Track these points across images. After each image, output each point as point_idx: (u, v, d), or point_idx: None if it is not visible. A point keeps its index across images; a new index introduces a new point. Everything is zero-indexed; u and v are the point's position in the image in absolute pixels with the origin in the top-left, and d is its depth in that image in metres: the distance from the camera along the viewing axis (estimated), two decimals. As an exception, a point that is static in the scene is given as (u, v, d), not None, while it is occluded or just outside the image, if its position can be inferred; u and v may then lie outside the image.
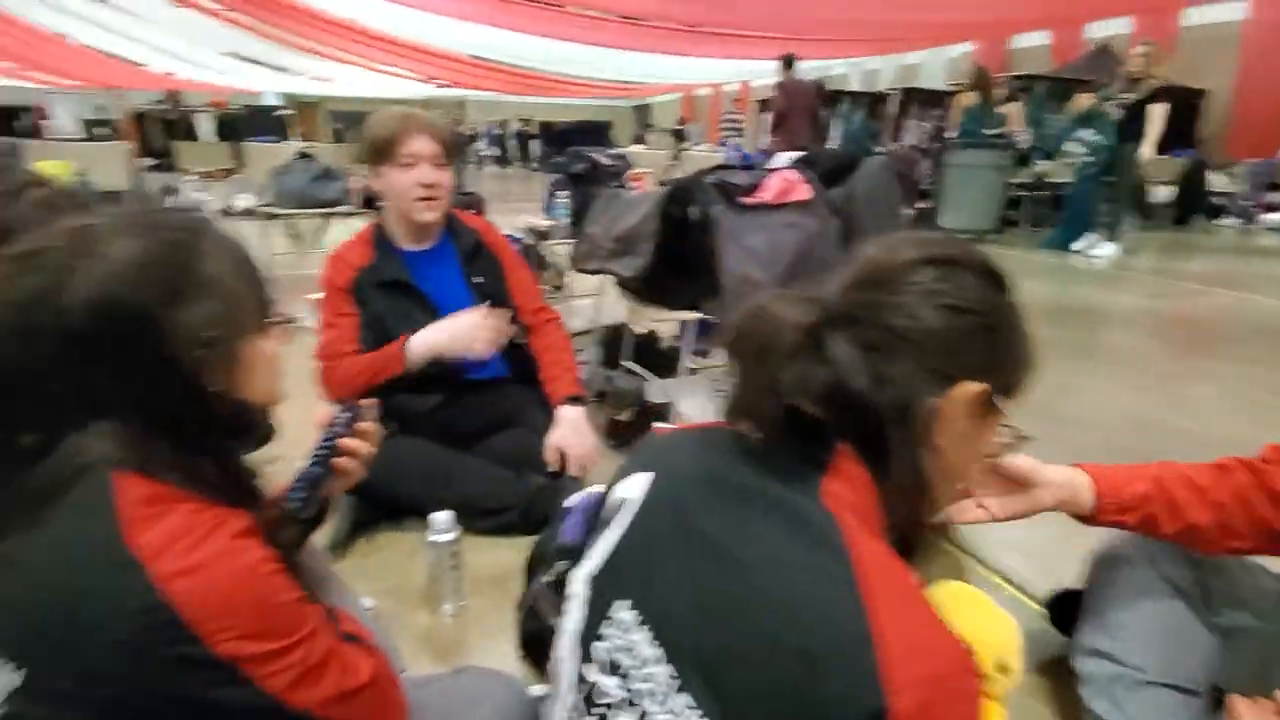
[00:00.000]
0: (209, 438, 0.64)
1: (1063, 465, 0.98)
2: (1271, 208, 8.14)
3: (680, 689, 0.51)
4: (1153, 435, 2.25)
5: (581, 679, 0.60)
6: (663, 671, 0.53)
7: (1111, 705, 0.94)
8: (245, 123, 8.98)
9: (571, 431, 1.60)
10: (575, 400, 1.64)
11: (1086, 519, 0.95)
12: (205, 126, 8.88)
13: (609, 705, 0.56)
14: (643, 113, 17.76)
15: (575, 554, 1.18)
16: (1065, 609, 1.21)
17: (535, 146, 15.68)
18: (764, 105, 12.03)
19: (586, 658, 0.60)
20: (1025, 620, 1.26)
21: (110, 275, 0.59)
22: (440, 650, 1.28)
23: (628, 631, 0.56)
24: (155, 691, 0.56)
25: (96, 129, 9.23)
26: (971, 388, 0.57)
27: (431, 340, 1.55)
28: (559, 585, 1.18)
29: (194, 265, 0.64)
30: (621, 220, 1.78)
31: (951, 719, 0.46)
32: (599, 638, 0.59)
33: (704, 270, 1.61)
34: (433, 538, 1.28)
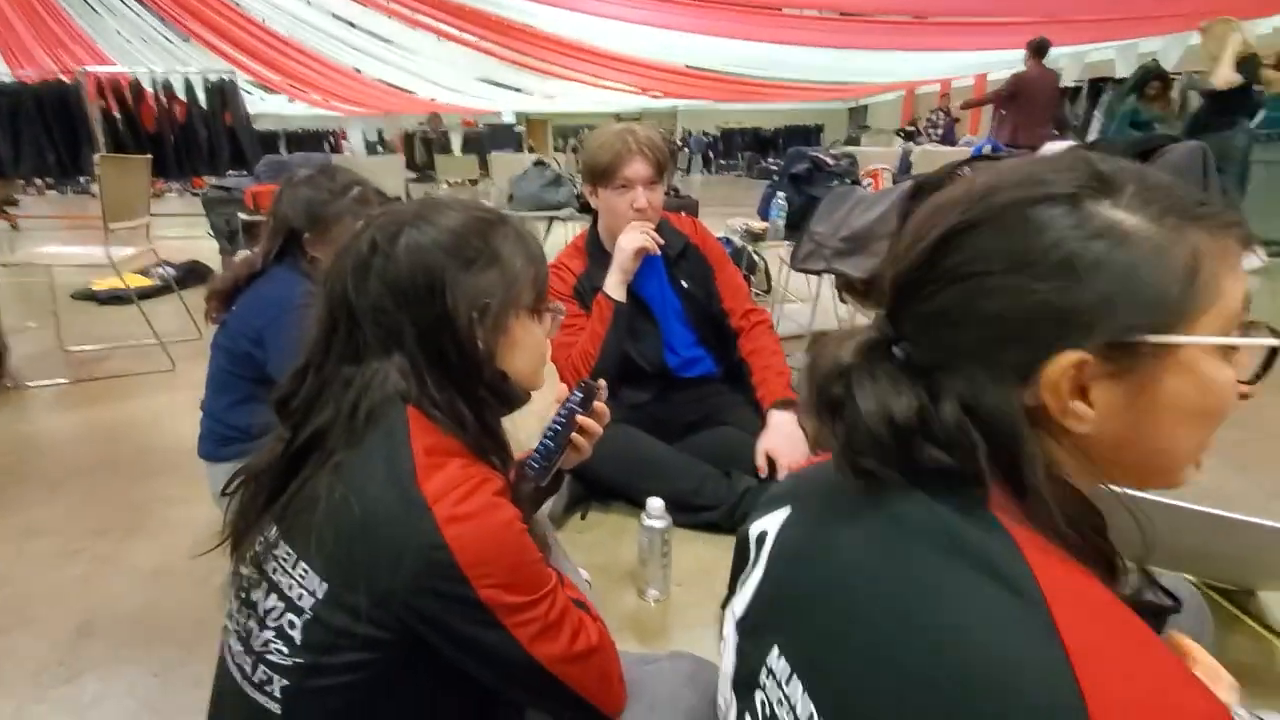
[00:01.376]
0: (471, 390, 0.72)
1: None
2: None
3: None
4: None
5: None
6: None
7: None
8: (487, 138, 10.18)
9: (783, 438, 1.57)
10: (786, 405, 1.60)
11: None
12: (455, 142, 10.20)
13: None
14: (858, 114, 16.98)
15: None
16: None
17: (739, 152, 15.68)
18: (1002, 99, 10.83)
19: (746, 708, 0.53)
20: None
21: (427, 237, 0.72)
22: (643, 633, 1.31)
23: (785, 684, 0.49)
24: (428, 619, 0.63)
25: (378, 147, 11.05)
26: (1062, 361, 0.42)
27: (612, 270, 1.62)
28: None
29: (490, 242, 0.74)
30: (854, 219, 1.69)
31: None
32: (759, 686, 0.52)
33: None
34: (648, 522, 1.31)
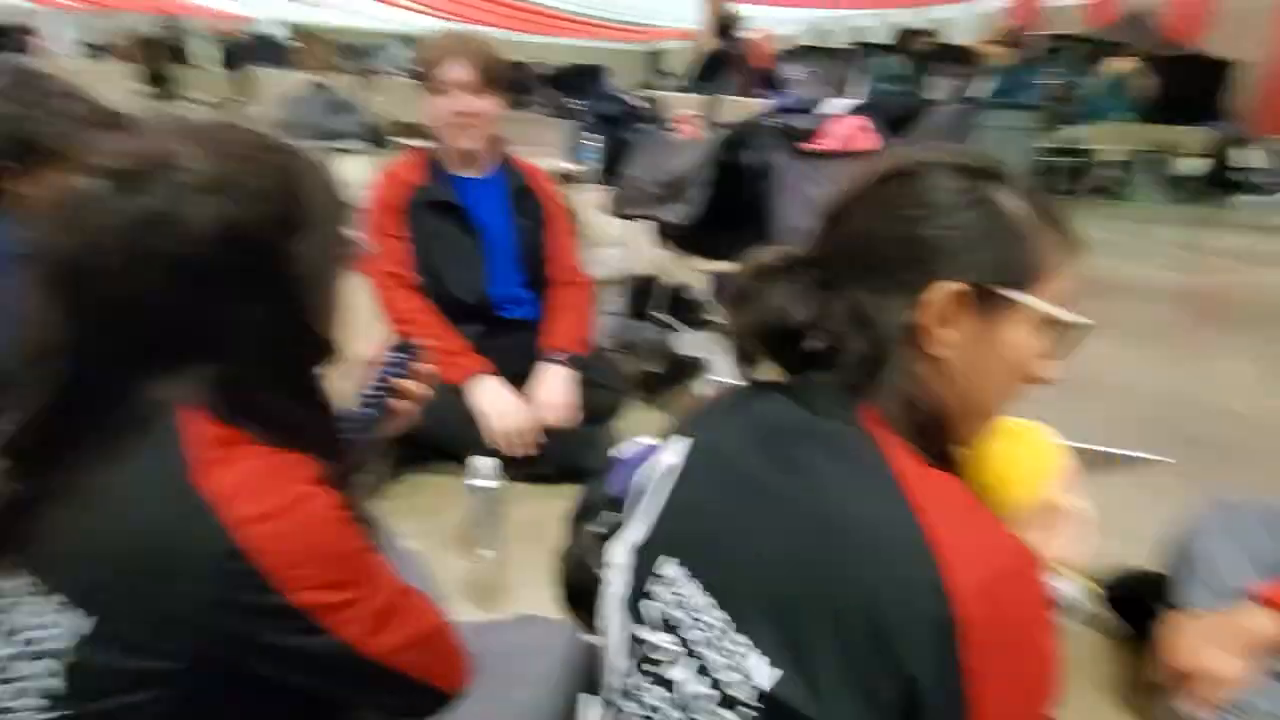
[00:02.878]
0: (304, 376, 0.60)
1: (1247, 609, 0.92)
2: (1301, 185, 7.97)
3: (737, 630, 0.51)
4: (1190, 412, 2.22)
5: (636, 641, 0.60)
6: (717, 618, 0.53)
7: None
8: (248, 51, 8.65)
9: (546, 389, 1.58)
10: (564, 358, 1.61)
11: None
12: (207, 53, 8.57)
13: (662, 661, 0.57)
14: (653, 59, 17.21)
15: (619, 505, 1.17)
16: (1127, 589, 1.21)
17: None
18: (785, 55, 11.63)
19: (637, 621, 0.60)
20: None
21: (232, 201, 0.53)
22: (478, 597, 1.26)
23: (678, 587, 0.57)
24: (231, 639, 0.53)
25: (93, 51, 8.87)
26: (945, 288, 0.53)
27: (483, 397, 1.53)
28: (603, 537, 1.16)
29: (303, 192, 0.59)
30: (669, 165, 1.70)
31: (1019, 617, 0.46)
32: (649, 596, 0.59)
33: (757, 220, 1.54)
34: (474, 482, 1.25)
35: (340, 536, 0.57)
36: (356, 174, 1.68)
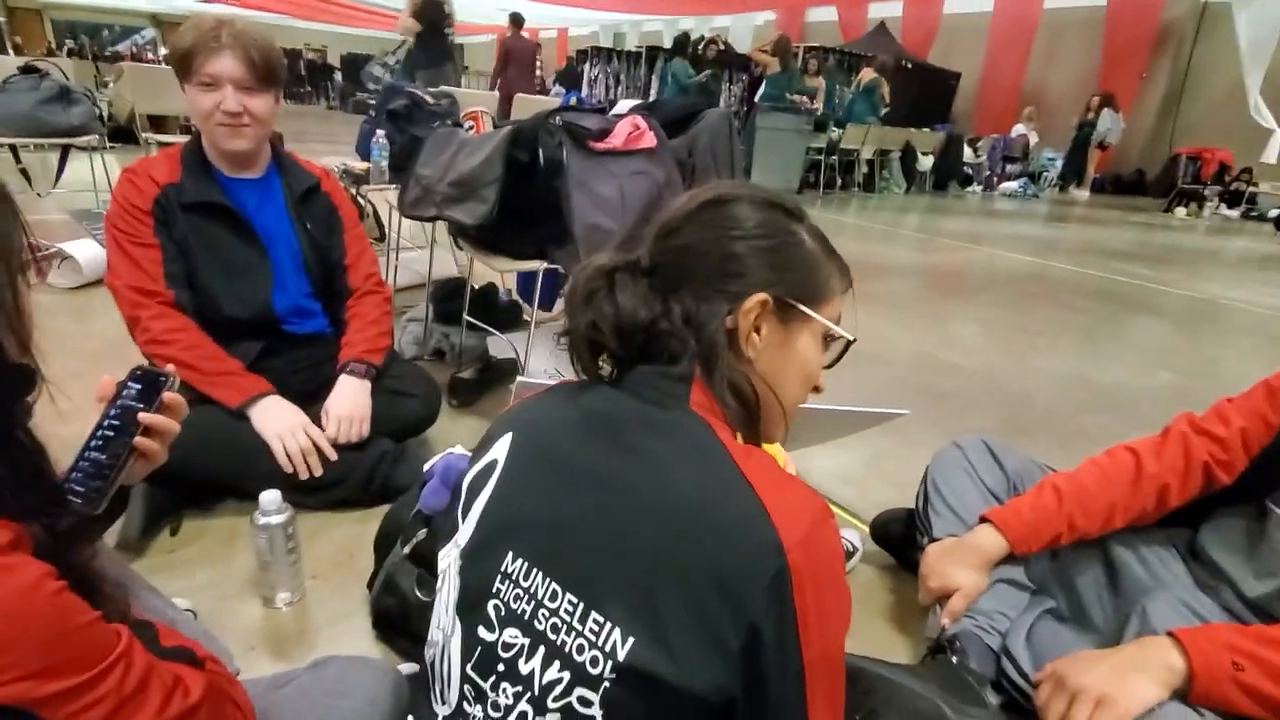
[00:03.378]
0: (2, 420, 0.50)
1: (979, 530, 1.09)
2: (1006, 177, 9.81)
3: (586, 610, 0.55)
4: (932, 369, 2.63)
5: (477, 644, 0.60)
6: (568, 602, 0.56)
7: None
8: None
9: (344, 399, 1.48)
10: (361, 369, 1.51)
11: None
12: None
13: (513, 657, 0.58)
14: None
15: (431, 521, 1.12)
16: (890, 527, 1.40)
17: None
18: (581, 56, 11.84)
19: (476, 623, 0.60)
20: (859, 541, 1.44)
21: None
22: (280, 645, 1.14)
23: (523, 579, 0.58)
24: None
25: None
26: (755, 298, 0.64)
27: (264, 418, 1.38)
28: (419, 557, 1.11)
29: None
30: (460, 163, 1.64)
31: (828, 558, 0.55)
32: (493, 595, 0.60)
33: (550, 217, 1.54)
34: (263, 520, 1.12)
35: (55, 612, 0.48)
36: (95, 175, 1.41)
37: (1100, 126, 9.25)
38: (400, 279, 2.86)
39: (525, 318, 2.51)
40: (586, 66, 11.26)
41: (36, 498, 0.52)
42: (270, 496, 1.13)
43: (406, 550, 1.10)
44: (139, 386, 0.72)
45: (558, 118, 1.53)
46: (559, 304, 2.35)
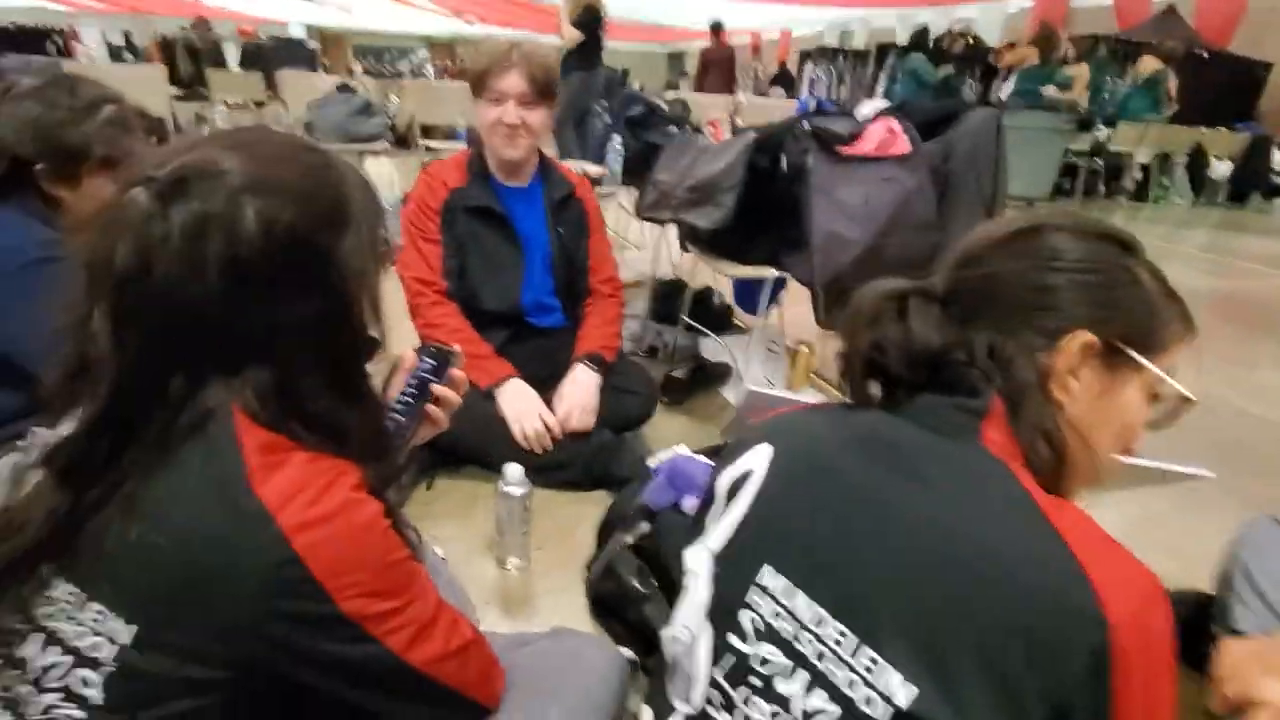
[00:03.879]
0: (353, 377, 0.60)
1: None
2: (1335, 188, 7.78)
3: (865, 644, 0.51)
4: (1230, 422, 2.17)
5: (727, 650, 0.59)
6: (835, 630, 0.53)
7: None
8: (273, 54, 8.75)
9: (577, 387, 1.58)
10: (596, 362, 1.61)
11: None
12: (231, 55, 8.66)
13: (770, 674, 0.56)
14: (677, 60, 17.17)
15: (656, 517, 1.15)
16: (1179, 613, 1.17)
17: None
18: (805, 56, 11.58)
19: (727, 630, 0.59)
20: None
21: (276, 202, 0.54)
22: (507, 604, 1.26)
23: (784, 597, 0.56)
24: (281, 646, 0.53)
25: (125, 54, 9.00)
26: (1080, 337, 0.57)
27: (506, 399, 1.54)
28: (639, 549, 1.15)
29: (341, 192, 0.59)
30: (699, 169, 1.68)
31: (1161, 645, 0.48)
32: (746, 606, 0.58)
33: (787, 224, 1.52)
34: (506, 489, 1.24)
35: (385, 545, 0.57)
36: (383, 175, 1.69)
37: None
38: (624, 276, 3.01)
39: (737, 322, 2.52)
40: (809, 66, 10.99)
41: (378, 447, 0.62)
42: (515, 470, 1.24)
43: (629, 540, 1.15)
44: (434, 362, 0.82)
45: (806, 123, 1.50)
46: (774, 312, 2.32)
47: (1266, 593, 0.96)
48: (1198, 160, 7.05)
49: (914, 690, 0.49)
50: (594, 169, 2.81)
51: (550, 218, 1.65)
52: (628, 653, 1.06)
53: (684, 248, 2.04)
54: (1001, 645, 0.47)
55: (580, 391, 1.58)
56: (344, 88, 3.81)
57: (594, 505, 1.34)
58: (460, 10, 13.27)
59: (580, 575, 1.29)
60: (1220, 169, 7.22)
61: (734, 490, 0.65)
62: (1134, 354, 0.58)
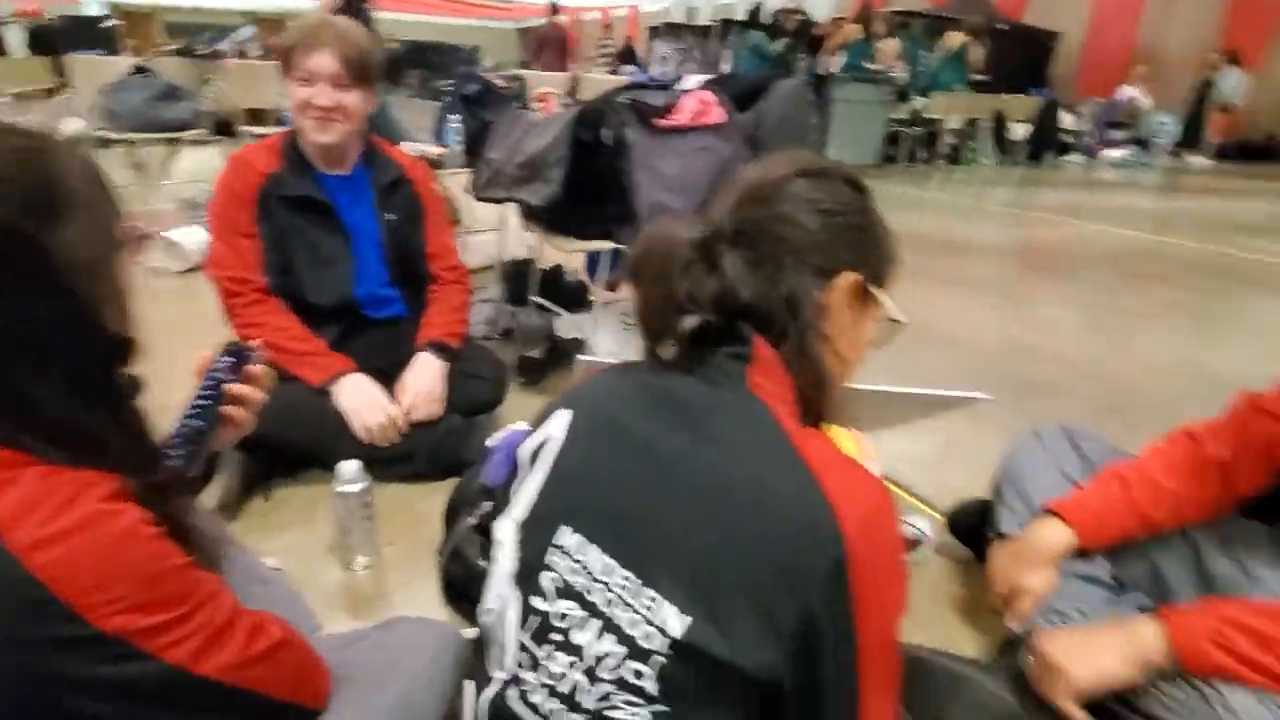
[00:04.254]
0: (99, 381, 0.56)
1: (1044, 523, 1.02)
2: (1111, 144, 9.02)
3: (645, 585, 0.55)
4: (1020, 355, 2.47)
5: (531, 613, 0.61)
6: (622, 577, 0.56)
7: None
8: (63, 35, 7.62)
9: (421, 376, 1.54)
10: (440, 349, 1.57)
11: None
12: (13, 39, 7.46)
13: (567, 628, 0.59)
14: (528, 35, 16.81)
15: (497, 495, 1.15)
16: (964, 519, 1.33)
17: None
18: (654, 32, 11.70)
19: (531, 593, 0.61)
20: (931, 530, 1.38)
21: None
22: (356, 605, 1.22)
23: (578, 553, 0.59)
24: (37, 676, 0.49)
25: None
26: (848, 278, 0.64)
27: (345, 394, 1.46)
28: (484, 528, 1.15)
29: (56, 178, 0.54)
30: (527, 144, 1.66)
31: (886, 545, 0.55)
32: (546, 568, 0.61)
33: (617, 197, 1.54)
34: (341, 488, 1.19)
35: (150, 554, 0.53)
36: (201, 167, 1.53)
37: (1223, 87, 8.36)
38: (472, 261, 2.94)
39: (592, 298, 2.54)
40: (658, 43, 11.12)
41: (137, 454, 0.58)
42: (348, 466, 1.19)
43: (473, 521, 1.14)
44: (230, 360, 0.78)
45: (624, 96, 1.52)
46: (628, 284, 2.36)
47: (1023, 496, 1.10)
48: (1000, 124, 7.90)
49: (687, 620, 0.53)
50: (434, 150, 2.71)
51: (379, 205, 1.57)
52: (474, 631, 1.06)
53: (526, 227, 2.02)
54: (759, 568, 0.52)
55: (423, 379, 1.53)
56: (141, 70, 3.39)
57: (447, 494, 1.32)
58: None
59: (434, 565, 1.27)
60: (1019, 131, 8.13)
61: (534, 458, 0.66)
62: (878, 292, 0.66)
